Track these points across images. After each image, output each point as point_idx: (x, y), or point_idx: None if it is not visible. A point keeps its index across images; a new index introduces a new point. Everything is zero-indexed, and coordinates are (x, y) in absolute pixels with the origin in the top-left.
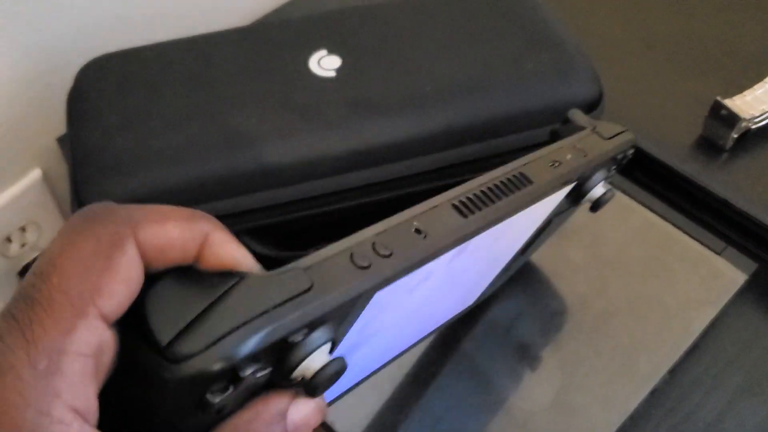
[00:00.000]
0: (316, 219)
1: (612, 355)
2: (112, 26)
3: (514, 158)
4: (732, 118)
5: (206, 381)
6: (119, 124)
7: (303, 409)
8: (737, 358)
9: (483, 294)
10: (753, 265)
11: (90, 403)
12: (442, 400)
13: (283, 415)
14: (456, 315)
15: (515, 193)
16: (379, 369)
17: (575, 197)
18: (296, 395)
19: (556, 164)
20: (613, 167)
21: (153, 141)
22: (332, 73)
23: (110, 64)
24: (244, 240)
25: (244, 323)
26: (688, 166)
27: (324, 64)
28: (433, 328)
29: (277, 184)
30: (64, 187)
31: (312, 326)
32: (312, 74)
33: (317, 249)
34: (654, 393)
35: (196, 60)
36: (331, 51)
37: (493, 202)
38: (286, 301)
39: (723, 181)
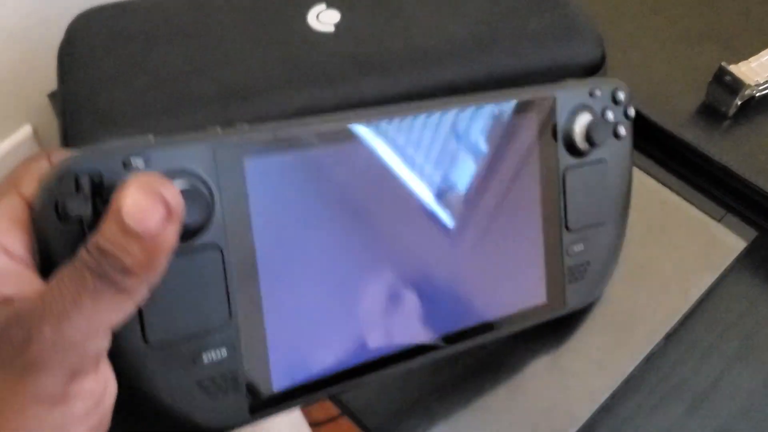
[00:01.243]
0: None
1: (608, 320)
2: None
3: None
4: (736, 85)
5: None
6: (111, 77)
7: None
8: (733, 326)
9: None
10: (752, 233)
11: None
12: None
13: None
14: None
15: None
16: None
17: (569, 146)
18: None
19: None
20: (606, 113)
21: (146, 93)
22: (331, 28)
23: (102, 16)
24: None
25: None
26: (690, 133)
27: (323, 18)
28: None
29: None
30: (56, 143)
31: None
32: (310, 29)
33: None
34: (649, 359)
35: (191, 12)
36: (330, 5)
37: None
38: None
39: (724, 148)
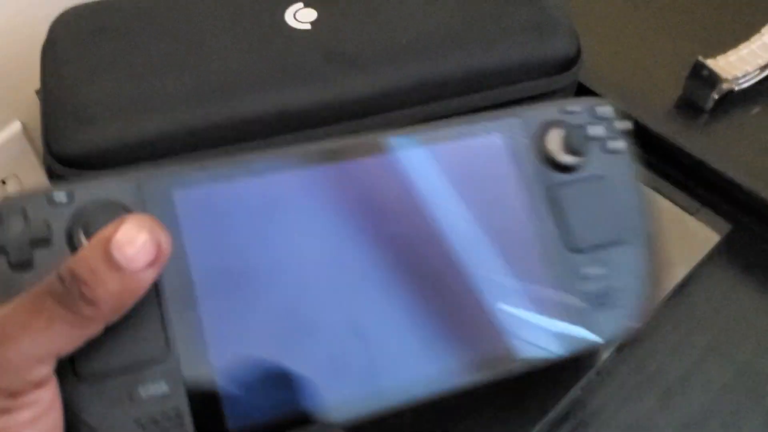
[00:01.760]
0: None
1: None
2: None
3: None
4: (713, 79)
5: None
6: (90, 75)
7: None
8: (706, 319)
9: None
10: (727, 227)
11: None
12: None
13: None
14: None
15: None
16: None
17: (552, 163)
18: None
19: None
20: (586, 128)
21: (124, 91)
22: (308, 26)
23: (84, 14)
24: None
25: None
26: (666, 127)
27: (300, 16)
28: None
29: (250, 136)
30: None
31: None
32: (288, 26)
33: None
34: (621, 350)
35: (171, 11)
36: (307, 4)
37: None
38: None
39: (701, 142)
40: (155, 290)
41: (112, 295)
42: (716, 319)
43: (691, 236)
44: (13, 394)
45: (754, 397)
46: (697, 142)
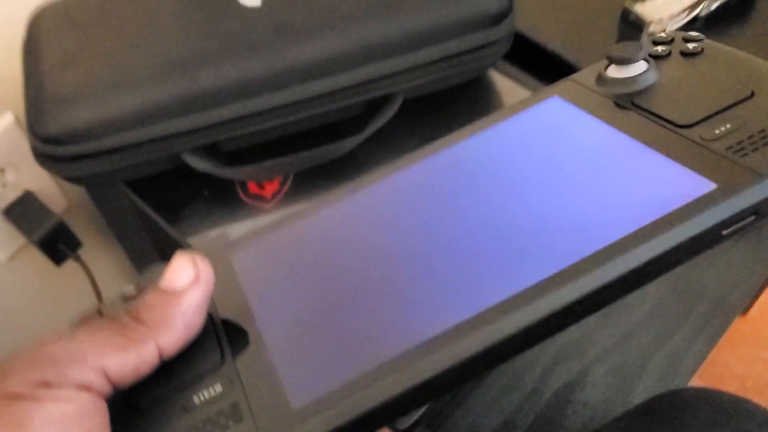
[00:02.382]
0: (250, 138)
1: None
2: None
3: (428, 70)
4: (640, 23)
5: None
6: (64, 62)
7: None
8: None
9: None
10: None
11: None
12: None
13: None
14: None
15: None
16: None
17: (617, 84)
18: None
19: None
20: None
21: (94, 74)
22: (258, 3)
23: (57, 8)
24: (189, 158)
25: None
26: None
27: None
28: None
29: (211, 105)
30: None
31: None
32: (240, 4)
33: None
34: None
35: (134, 1)
36: None
37: None
38: None
39: None
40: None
41: (157, 313)
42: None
43: None
44: (48, 384)
45: (685, 309)
46: None
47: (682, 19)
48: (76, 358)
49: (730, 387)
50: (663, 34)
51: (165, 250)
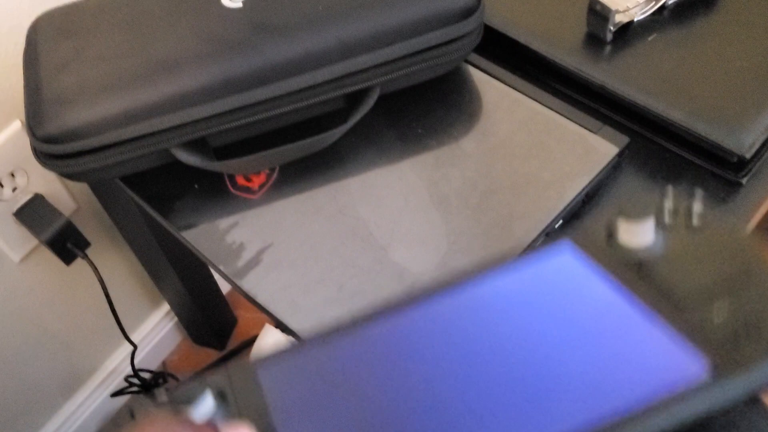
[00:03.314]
0: (237, 132)
1: (492, 224)
2: None
3: (402, 64)
4: (605, 11)
5: None
6: (60, 67)
7: None
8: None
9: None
10: (625, 140)
11: None
12: (344, 268)
13: None
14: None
15: None
16: None
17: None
18: None
19: None
20: None
21: (88, 77)
22: (239, 4)
23: (54, 17)
24: (178, 153)
25: None
26: (573, 59)
27: None
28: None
29: (196, 102)
30: None
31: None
32: (222, 6)
33: None
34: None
35: (122, 6)
36: None
37: None
38: None
39: (603, 70)
40: None
41: None
42: None
43: (592, 151)
44: None
45: None
46: (600, 70)
47: (651, 8)
48: None
49: None
50: (670, 204)
51: (168, 247)
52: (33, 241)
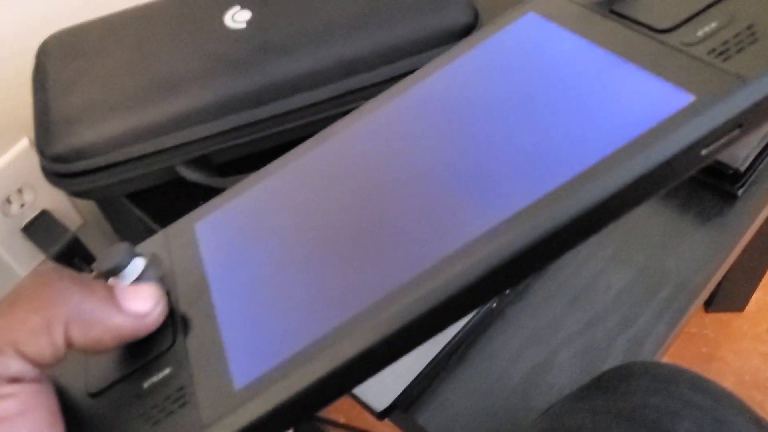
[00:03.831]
0: (239, 149)
1: None
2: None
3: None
4: None
5: None
6: (67, 87)
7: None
8: (609, 232)
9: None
10: None
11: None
12: None
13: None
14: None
15: None
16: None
17: None
18: None
19: None
20: None
21: (94, 97)
22: (243, 25)
23: (62, 38)
24: (182, 170)
25: None
26: None
27: (237, 17)
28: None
29: (200, 121)
30: None
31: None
32: (226, 27)
33: None
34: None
35: (127, 27)
36: (243, 6)
37: None
38: None
39: None
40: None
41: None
42: (617, 232)
43: None
44: None
45: (648, 295)
46: None
47: None
48: None
49: (728, 381)
50: None
51: None
52: (40, 257)
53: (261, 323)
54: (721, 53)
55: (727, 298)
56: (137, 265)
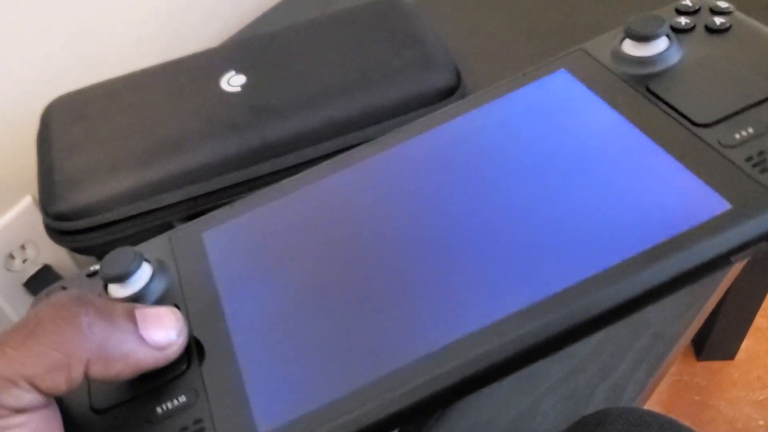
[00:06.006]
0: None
1: None
2: (85, 67)
3: None
4: None
5: None
6: (71, 149)
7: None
8: None
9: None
10: None
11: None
12: None
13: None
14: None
15: None
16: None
17: (638, 63)
18: None
19: None
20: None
21: (97, 158)
22: (238, 89)
23: (66, 102)
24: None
25: None
26: None
27: (232, 82)
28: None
29: (197, 180)
30: None
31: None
32: (222, 91)
33: None
34: None
35: (129, 91)
36: (238, 71)
37: None
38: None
39: None
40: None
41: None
42: None
43: None
44: None
45: (628, 342)
46: None
47: None
48: (6, 379)
49: (721, 430)
50: (689, 2)
51: None
52: None
53: (283, 365)
54: (757, 164)
55: (718, 346)
56: (144, 272)
